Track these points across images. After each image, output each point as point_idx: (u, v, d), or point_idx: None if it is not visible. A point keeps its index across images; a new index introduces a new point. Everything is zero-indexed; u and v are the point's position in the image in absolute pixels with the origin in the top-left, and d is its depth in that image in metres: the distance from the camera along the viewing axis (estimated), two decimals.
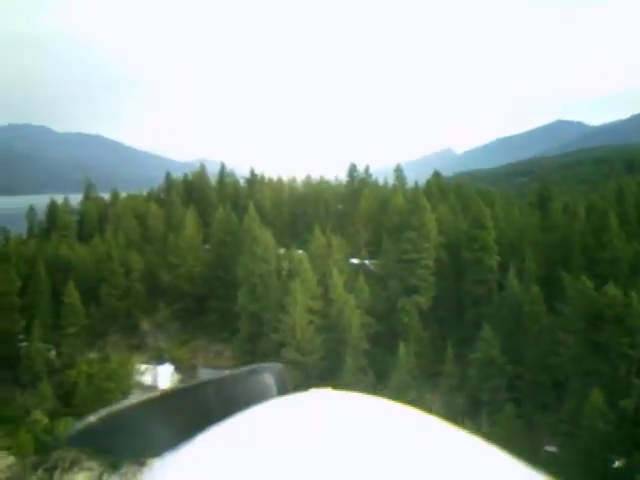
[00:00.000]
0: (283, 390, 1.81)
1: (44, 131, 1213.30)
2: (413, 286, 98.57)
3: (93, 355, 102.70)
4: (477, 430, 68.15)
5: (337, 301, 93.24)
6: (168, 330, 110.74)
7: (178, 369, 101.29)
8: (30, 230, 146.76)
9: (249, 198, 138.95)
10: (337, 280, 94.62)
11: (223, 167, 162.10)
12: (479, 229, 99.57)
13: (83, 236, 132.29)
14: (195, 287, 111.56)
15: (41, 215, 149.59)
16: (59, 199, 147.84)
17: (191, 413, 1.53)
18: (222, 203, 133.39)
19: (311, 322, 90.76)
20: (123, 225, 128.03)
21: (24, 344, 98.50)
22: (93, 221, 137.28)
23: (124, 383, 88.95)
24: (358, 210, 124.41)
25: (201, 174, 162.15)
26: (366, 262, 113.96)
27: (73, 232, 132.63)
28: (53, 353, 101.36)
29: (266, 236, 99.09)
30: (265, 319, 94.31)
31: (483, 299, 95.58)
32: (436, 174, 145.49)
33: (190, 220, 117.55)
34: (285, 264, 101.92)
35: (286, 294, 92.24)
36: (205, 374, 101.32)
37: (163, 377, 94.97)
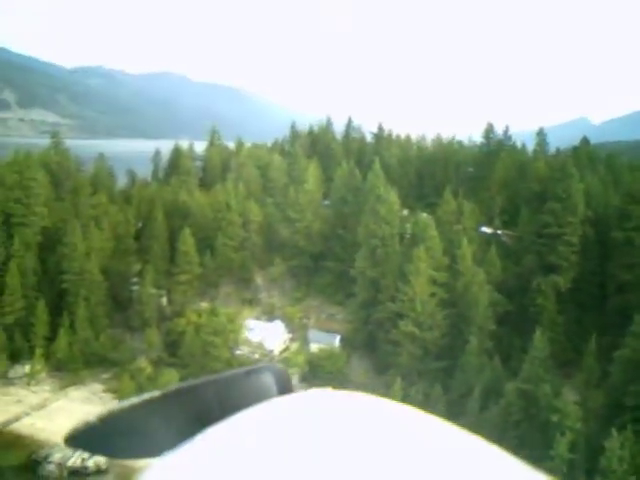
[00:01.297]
0: (283, 390, 1.70)
1: (182, 80, 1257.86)
2: (552, 264, 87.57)
3: (204, 305, 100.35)
4: (621, 446, 58.05)
5: (464, 274, 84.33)
6: (282, 286, 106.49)
7: (289, 328, 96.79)
8: (155, 174, 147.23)
9: (375, 155, 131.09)
10: (466, 250, 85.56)
11: (350, 121, 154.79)
12: (634, 205, 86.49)
13: (204, 183, 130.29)
14: (312, 244, 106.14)
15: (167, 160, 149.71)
16: (186, 146, 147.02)
17: (191, 413, 1.58)
18: (346, 158, 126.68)
19: (434, 294, 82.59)
20: (244, 175, 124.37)
21: (137, 288, 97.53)
22: (215, 169, 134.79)
23: (231, 339, 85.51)
24: (493, 175, 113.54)
25: (327, 127, 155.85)
26: (499, 232, 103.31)
27: (194, 178, 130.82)
28: (164, 300, 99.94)
29: (391, 196, 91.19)
30: (383, 286, 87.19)
31: (631, 286, 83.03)
32: (585, 141, 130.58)
33: (312, 174, 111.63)
34: (409, 228, 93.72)
35: (408, 261, 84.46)
36: (315, 336, 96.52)
37: (273, 335, 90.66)
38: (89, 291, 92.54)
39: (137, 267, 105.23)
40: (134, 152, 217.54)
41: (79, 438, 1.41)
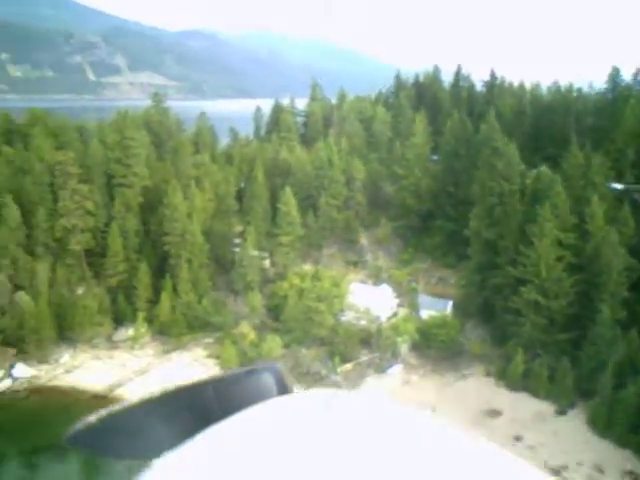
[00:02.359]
0: (283, 390, 1.76)
1: (284, 38, 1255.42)
2: None
3: (307, 267, 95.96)
4: None
5: (594, 235, 74.52)
6: (388, 248, 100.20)
7: (396, 292, 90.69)
8: (256, 131, 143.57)
9: (486, 104, 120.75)
10: (596, 208, 75.53)
11: (459, 69, 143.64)
12: None
13: (306, 140, 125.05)
14: (420, 202, 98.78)
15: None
16: (287, 102, 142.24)
17: (191, 413, 1.63)
18: (456, 109, 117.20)
19: (560, 258, 73.52)
20: (347, 129, 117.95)
21: (239, 250, 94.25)
22: (317, 124, 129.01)
23: (336, 305, 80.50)
24: (621, 124, 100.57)
25: (434, 77, 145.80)
26: (631, 189, 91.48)
27: (295, 135, 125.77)
28: (267, 262, 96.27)
29: (509, 149, 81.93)
30: (501, 248, 78.91)
31: None
32: None
33: (420, 126, 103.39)
34: (530, 184, 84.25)
35: (530, 220, 75.66)
36: (425, 302, 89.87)
37: (380, 300, 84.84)
38: (191, 253, 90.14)
39: (239, 228, 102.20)
40: (238, 112, 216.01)
41: (79, 438, 1.50)
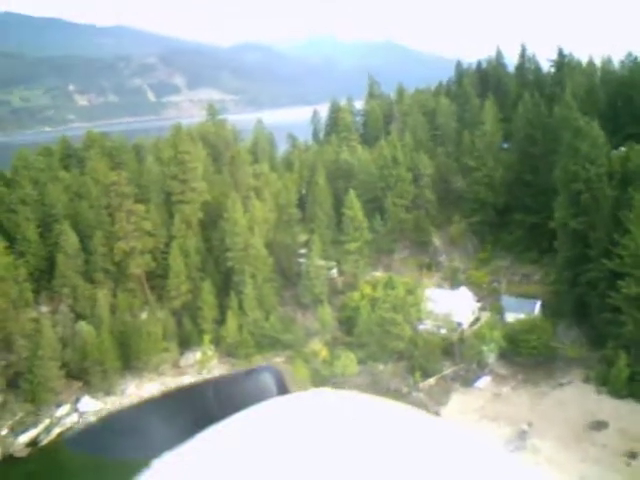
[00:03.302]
0: (283, 390, 1.75)
1: (335, 43, 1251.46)
2: None
3: (378, 274, 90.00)
4: None
5: None
6: (463, 247, 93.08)
7: (476, 295, 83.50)
8: (314, 134, 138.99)
9: (557, 85, 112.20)
10: None
11: (524, 50, 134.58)
12: None
13: (366, 139, 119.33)
14: (495, 195, 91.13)
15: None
16: (344, 102, 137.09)
17: (191, 413, 1.63)
18: (524, 93, 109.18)
19: None
20: (410, 124, 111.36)
21: (304, 260, 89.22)
22: (377, 121, 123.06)
23: (413, 314, 73.96)
24: None
25: (497, 61, 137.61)
26: None
27: (355, 134, 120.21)
28: (334, 272, 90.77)
29: (593, 129, 73.36)
30: (593, 239, 70.65)
31: None
32: None
33: (489, 113, 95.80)
34: (618, 165, 75.48)
35: (624, 207, 67.25)
36: (510, 304, 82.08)
37: (460, 305, 77.80)
38: (255, 268, 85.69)
39: (303, 237, 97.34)
40: (296, 120, 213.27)
41: (79, 438, 1.52)
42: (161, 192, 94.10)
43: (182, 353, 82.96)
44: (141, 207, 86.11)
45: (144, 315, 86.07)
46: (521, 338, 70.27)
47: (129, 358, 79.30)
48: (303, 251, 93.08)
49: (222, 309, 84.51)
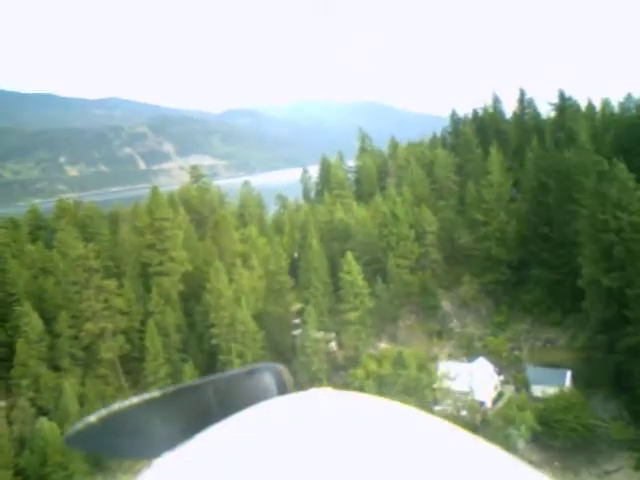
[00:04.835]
0: (283, 390, 1.83)
1: (323, 105, 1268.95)
2: None
3: (382, 346, 79.75)
4: None
5: None
6: (476, 310, 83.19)
7: (497, 366, 73.07)
8: (305, 194, 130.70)
9: (559, 130, 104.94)
10: None
11: (522, 95, 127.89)
12: None
13: (361, 195, 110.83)
14: (508, 251, 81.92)
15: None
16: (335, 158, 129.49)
17: (191, 413, 1.69)
18: (527, 138, 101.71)
19: None
20: (407, 177, 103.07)
21: (299, 332, 79.12)
22: (371, 176, 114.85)
23: (427, 396, 63.37)
24: None
25: (494, 108, 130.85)
26: None
27: (349, 190, 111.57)
28: (333, 344, 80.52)
29: (621, 171, 64.85)
30: (631, 297, 61.05)
31: None
32: None
33: (495, 162, 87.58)
34: None
35: None
36: (535, 375, 71.72)
37: (480, 379, 67.16)
38: (243, 345, 75.54)
39: (297, 306, 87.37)
40: (287, 182, 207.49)
41: (79, 438, 1.57)
42: (137, 264, 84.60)
43: None
44: (112, 283, 76.23)
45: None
46: (556, 418, 59.69)
47: (100, 458, 68.23)
48: (297, 321, 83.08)
49: None
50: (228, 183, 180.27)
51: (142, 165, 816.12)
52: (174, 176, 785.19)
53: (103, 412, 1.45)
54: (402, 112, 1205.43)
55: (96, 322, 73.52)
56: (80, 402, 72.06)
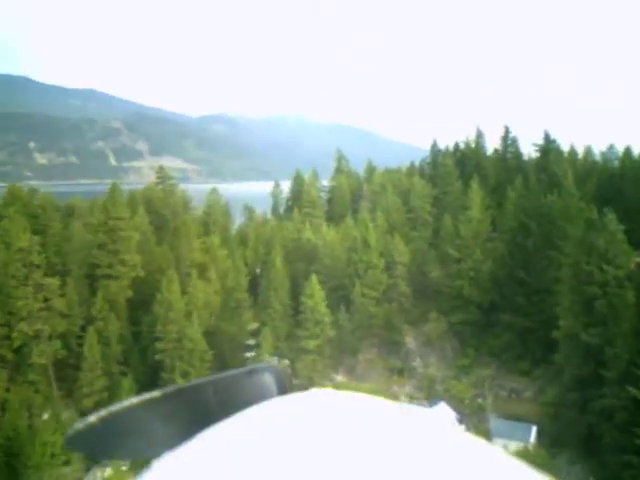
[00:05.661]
0: (283, 390, 1.85)
1: (301, 122, 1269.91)
2: None
3: (339, 378, 74.68)
4: None
5: None
6: (441, 349, 78.69)
7: (459, 413, 68.44)
8: (274, 209, 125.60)
9: (541, 172, 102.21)
10: None
11: (507, 132, 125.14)
12: None
13: (332, 216, 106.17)
14: (481, 292, 77.88)
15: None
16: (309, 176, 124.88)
17: (191, 413, 1.72)
18: (508, 177, 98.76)
19: None
20: (382, 203, 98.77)
21: (251, 355, 73.66)
22: (344, 198, 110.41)
23: None
24: None
25: (477, 142, 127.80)
26: None
27: (320, 210, 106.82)
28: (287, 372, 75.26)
29: (611, 222, 61.19)
30: (609, 357, 57.12)
31: None
32: None
33: (476, 198, 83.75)
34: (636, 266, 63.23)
35: None
36: (498, 428, 67.28)
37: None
38: (189, 364, 69.58)
39: (253, 325, 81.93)
40: (257, 193, 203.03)
41: (79, 438, 1.59)
42: (85, 264, 78.20)
43: (89, 468, 65.27)
44: (54, 281, 69.66)
45: (46, 416, 68.40)
46: None
47: (17, 474, 61.40)
48: (251, 342, 77.61)
49: None
50: (198, 188, 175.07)
51: (113, 161, 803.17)
52: (144, 175, 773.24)
53: (103, 412, 1.57)
54: (380, 138, 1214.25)
55: (31, 323, 66.77)
56: (1, 409, 65.28)
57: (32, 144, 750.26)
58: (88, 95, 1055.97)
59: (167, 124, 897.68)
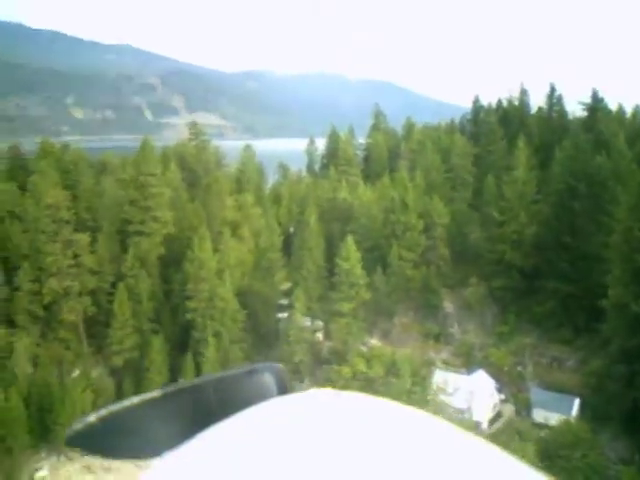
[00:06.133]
0: (283, 390, 1.92)
1: (337, 79, 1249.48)
2: None
3: (373, 342, 72.57)
4: None
5: None
6: (480, 315, 75.81)
7: (497, 381, 65.85)
8: (309, 166, 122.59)
9: (588, 132, 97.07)
10: None
11: (552, 90, 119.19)
12: None
13: (369, 175, 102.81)
14: (524, 256, 74.44)
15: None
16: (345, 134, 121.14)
17: (191, 413, 1.79)
18: (553, 137, 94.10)
19: None
20: (421, 162, 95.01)
21: (284, 315, 71.84)
22: (382, 156, 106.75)
23: (419, 406, 56.23)
24: None
25: (521, 100, 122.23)
26: None
27: (356, 168, 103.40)
28: (320, 335, 73.29)
29: None
30: None
31: None
32: None
33: (521, 157, 79.50)
34: None
35: None
36: (540, 398, 64.52)
37: (479, 395, 59.87)
38: (221, 324, 68.23)
39: (286, 285, 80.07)
40: (292, 151, 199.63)
41: (79, 438, 1.64)
42: (116, 220, 76.80)
43: None
44: (84, 237, 68.46)
45: (77, 372, 68.01)
46: (561, 454, 52.67)
47: (48, 430, 61.22)
48: (284, 302, 75.82)
49: (175, 372, 66.71)
50: (233, 145, 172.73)
51: (149, 116, 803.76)
52: (180, 132, 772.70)
53: (103, 412, 1.67)
54: (416, 95, 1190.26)
55: (61, 279, 65.85)
56: (34, 365, 64.93)
57: (69, 99, 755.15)
58: (124, 51, 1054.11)
59: (203, 80, 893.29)
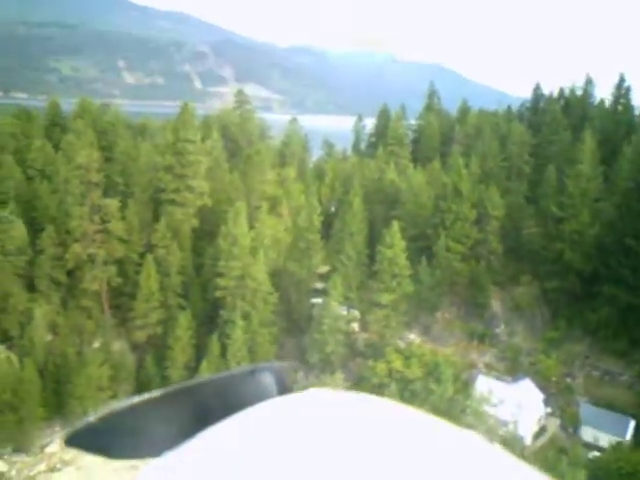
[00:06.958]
0: (283, 390, 1.94)
1: (388, 59, 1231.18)
2: None
3: (412, 338, 67.78)
4: None
5: None
6: (530, 318, 70.33)
7: (544, 392, 60.45)
8: (355, 145, 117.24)
9: None
10: None
11: (621, 80, 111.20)
12: None
13: (419, 158, 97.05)
14: (583, 257, 68.45)
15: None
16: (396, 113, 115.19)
17: (191, 413, 1.79)
18: (620, 131, 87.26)
19: None
20: (477, 147, 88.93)
21: (319, 302, 67.41)
22: (434, 138, 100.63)
23: (458, 414, 51.18)
24: None
25: (585, 91, 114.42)
26: None
27: (406, 150, 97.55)
28: (355, 325, 68.68)
29: None
30: None
31: None
32: None
33: (589, 150, 73.00)
34: None
35: None
36: (590, 415, 59.00)
37: (524, 407, 54.66)
38: (252, 305, 64.09)
39: (323, 269, 75.55)
40: (339, 128, 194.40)
41: (80, 438, 1.66)
42: (149, 186, 73.06)
43: None
44: (114, 203, 64.79)
45: (97, 344, 64.89)
46: None
47: (63, 403, 58.35)
48: (319, 286, 71.38)
49: (199, 352, 63.05)
50: (279, 119, 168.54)
51: (199, 85, 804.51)
52: (227, 101, 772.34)
53: (103, 412, 1.67)
54: (468, 80, 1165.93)
55: (86, 245, 62.46)
56: (53, 333, 61.96)
57: (121, 63, 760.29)
58: (178, 18, 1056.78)
59: (254, 52, 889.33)
